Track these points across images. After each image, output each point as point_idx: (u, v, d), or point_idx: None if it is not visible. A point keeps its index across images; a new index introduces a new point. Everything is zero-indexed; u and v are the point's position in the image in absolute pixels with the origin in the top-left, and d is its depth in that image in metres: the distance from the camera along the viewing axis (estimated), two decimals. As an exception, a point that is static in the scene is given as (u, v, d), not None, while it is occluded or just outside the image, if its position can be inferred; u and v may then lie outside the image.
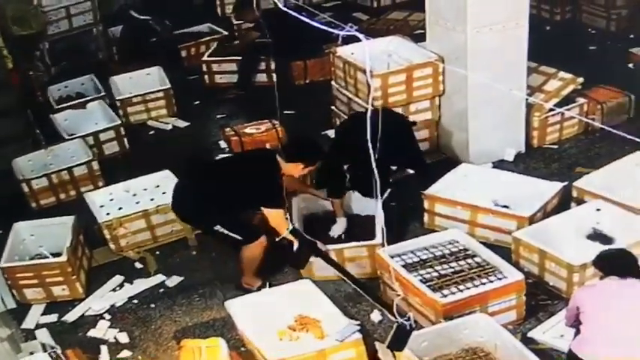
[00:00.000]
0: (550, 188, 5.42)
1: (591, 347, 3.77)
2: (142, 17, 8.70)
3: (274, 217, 4.80)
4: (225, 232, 4.89)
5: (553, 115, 6.33)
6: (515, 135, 6.26)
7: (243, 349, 4.59)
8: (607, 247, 4.66)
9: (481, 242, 5.01)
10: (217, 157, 5.47)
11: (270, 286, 5.05)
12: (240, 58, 8.06)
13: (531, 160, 6.24)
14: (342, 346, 4.26)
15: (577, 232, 5.06)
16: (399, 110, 6.11)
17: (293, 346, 4.42)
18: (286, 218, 4.85)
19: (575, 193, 5.39)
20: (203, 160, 5.29)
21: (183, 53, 8.87)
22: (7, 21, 7.80)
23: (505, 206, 5.43)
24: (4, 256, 5.32)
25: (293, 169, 4.90)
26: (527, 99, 6.04)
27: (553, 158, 6.32)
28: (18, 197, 6.36)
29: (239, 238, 4.90)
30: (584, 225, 5.09)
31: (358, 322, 4.55)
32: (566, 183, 5.46)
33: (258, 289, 5.05)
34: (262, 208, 4.85)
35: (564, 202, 5.43)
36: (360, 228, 5.45)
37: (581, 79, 6.38)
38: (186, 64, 8.77)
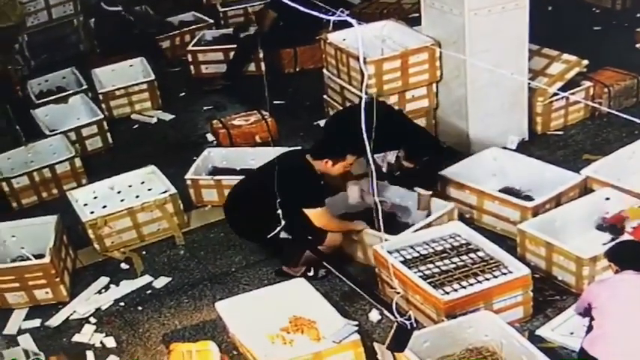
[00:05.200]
0: (571, 179, 5.21)
1: (604, 345, 3.65)
2: (110, 9, 8.55)
3: (316, 217, 4.78)
4: (287, 236, 4.88)
5: (557, 100, 6.22)
6: (518, 122, 6.15)
7: (235, 352, 4.51)
8: (617, 238, 4.63)
9: (487, 231, 4.94)
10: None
11: (316, 272, 5.03)
12: (230, 47, 7.92)
13: (535, 148, 6.11)
14: (340, 347, 4.18)
15: (585, 222, 4.95)
16: (395, 97, 6.01)
17: (288, 349, 4.36)
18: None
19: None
20: (248, 173, 5.40)
21: (168, 43, 8.77)
22: (-17, 13, 7.72)
23: (527, 196, 5.29)
24: (-17, 259, 5.26)
25: (322, 167, 4.86)
26: (529, 83, 5.96)
27: (558, 145, 6.19)
28: (-2, 197, 6.30)
29: (309, 238, 4.88)
30: (593, 215, 4.97)
31: (356, 323, 4.47)
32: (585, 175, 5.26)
33: (302, 274, 4.98)
34: (303, 209, 4.80)
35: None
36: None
37: (586, 62, 6.26)
38: (171, 55, 8.68)
